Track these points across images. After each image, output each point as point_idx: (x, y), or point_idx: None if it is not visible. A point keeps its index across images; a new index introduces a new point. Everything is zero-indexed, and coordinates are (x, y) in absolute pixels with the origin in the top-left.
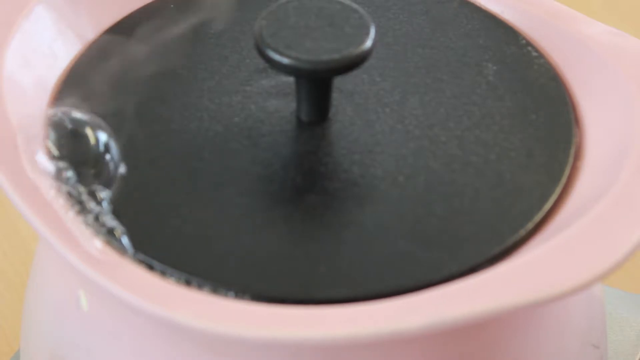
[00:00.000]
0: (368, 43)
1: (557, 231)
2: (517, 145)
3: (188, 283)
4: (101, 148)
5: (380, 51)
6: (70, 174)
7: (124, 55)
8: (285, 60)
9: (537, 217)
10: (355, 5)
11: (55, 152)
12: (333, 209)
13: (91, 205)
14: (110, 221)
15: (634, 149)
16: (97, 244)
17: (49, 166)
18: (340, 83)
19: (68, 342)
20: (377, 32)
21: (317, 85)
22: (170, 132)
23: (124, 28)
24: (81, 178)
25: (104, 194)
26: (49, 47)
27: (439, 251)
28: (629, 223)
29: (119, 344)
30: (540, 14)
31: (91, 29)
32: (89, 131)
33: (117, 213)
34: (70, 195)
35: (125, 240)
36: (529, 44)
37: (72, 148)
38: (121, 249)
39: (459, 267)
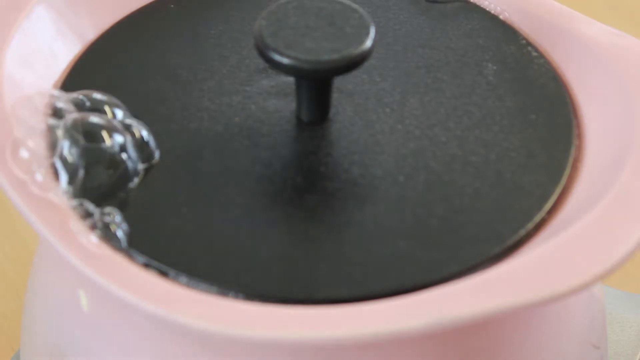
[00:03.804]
0: (368, 43)
1: (557, 231)
2: (517, 145)
3: (188, 283)
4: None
5: (380, 51)
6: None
7: (123, 55)
8: (285, 60)
9: (538, 217)
10: (355, 5)
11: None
12: (333, 209)
13: (91, 205)
14: (110, 220)
15: (634, 149)
16: (97, 244)
17: (53, 167)
18: (340, 83)
19: (68, 342)
20: (377, 32)
21: (317, 85)
22: (170, 132)
23: (124, 28)
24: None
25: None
26: (49, 47)
27: (439, 251)
28: (628, 223)
29: (119, 344)
30: (540, 14)
31: (91, 29)
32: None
33: (117, 212)
34: (70, 194)
35: (125, 240)
36: (529, 44)
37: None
38: (121, 249)
39: (459, 267)
